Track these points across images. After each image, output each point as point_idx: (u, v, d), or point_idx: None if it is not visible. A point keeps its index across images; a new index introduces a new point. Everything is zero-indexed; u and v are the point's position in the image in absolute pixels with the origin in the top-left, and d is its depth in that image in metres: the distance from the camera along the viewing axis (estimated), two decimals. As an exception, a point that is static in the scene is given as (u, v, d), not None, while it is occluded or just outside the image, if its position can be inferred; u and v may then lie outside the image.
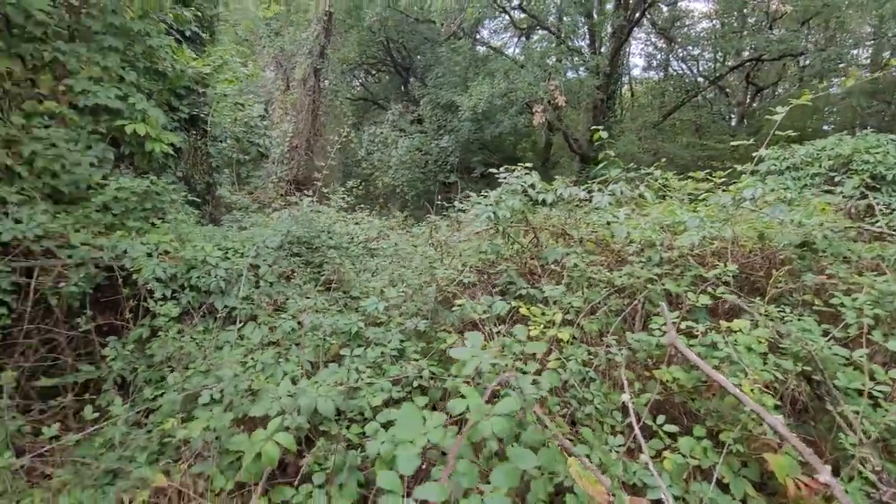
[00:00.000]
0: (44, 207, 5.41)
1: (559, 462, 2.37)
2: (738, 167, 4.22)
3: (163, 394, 4.12)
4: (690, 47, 24.59)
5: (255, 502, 2.42)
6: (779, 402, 2.78)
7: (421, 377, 2.95)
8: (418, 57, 21.30)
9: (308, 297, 4.12)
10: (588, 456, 2.39)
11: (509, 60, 16.29)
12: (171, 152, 6.92)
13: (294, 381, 2.99)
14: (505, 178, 4.07)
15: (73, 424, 5.24)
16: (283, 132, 16.56)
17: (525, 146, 21.68)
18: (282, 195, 13.30)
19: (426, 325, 3.45)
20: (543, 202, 4.11)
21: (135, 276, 5.25)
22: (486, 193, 4.04)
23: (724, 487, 2.74)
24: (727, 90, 26.00)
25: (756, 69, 22.80)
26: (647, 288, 3.40)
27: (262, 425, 2.75)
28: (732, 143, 4.59)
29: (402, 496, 1.29)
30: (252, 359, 3.44)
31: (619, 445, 2.64)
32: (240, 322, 4.15)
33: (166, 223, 5.84)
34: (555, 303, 3.40)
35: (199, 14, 9.44)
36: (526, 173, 4.17)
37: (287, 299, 4.56)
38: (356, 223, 7.50)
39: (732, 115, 26.00)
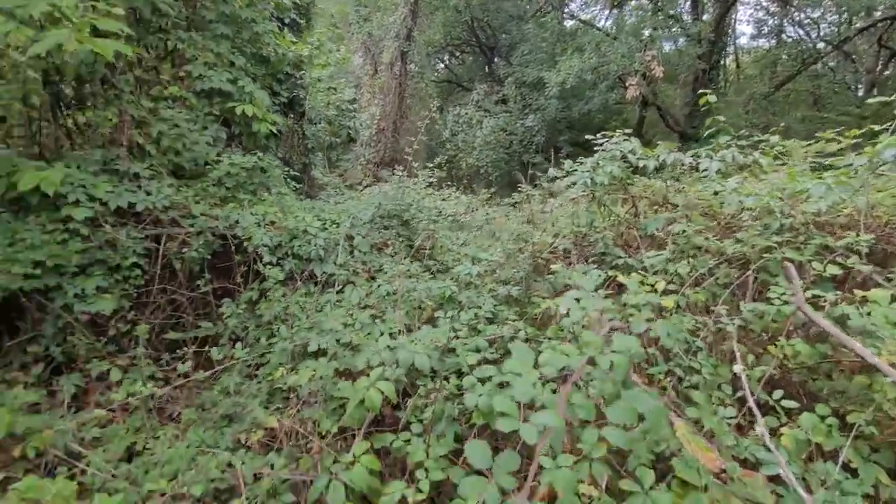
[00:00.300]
0: (169, 182, 6.02)
1: (663, 426, 2.27)
2: (876, 127, 3.72)
3: (272, 347, 4.48)
4: (809, 9, 21.96)
5: (359, 443, 2.57)
6: (926, 384, 2.45)
7: (516, 339, 2.95)
8: (503, 35, 20.94)
9: (402, 264, 4.26)
10: (697, 422, 2.26)
11: (600, 33, 15.52)
12: (275, 132, 7.40)
13: (392, 338, 3.11)
14: (602, 144, 3.90)
15: (194, 374, 5.87)
16: (371, 115, 17.08)
17: (615, 124, 20.61)
18: (369, 177, 13.73)
19: (519, 292, 3.43)
20: (644, 169, 3.90)
21: (245, 244, 5.72)
22: (581, 161, 3.90)
23: (851, 472, 2.49)
24: (853, 56, 22.97)
25: (890, 30, 19.90)
26: (762, 257, 3.12)
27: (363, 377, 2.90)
28: (868, 101, 4.05)
29: (519, 421, 1.30)
30: (351, 317, 3.63)
31: (730, 418, 2.47)
32: (338, 286, 4.38)
33: (271, 196, 6.29)
34: (656, 272, 3.23)
35: (297, 2, 9.93)
36: (625, 139, 3.97)
37: (381, 268, 4.74)
38: (443, 199, 7.59)
39: (860, 85, 22.96)
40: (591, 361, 1.47)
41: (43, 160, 5.73)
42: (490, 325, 3.12)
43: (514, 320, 3.12)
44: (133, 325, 5.41)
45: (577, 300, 1.76)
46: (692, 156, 4.02)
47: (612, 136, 4.01)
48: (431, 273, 4.06)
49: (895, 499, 2.41)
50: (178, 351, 5.42)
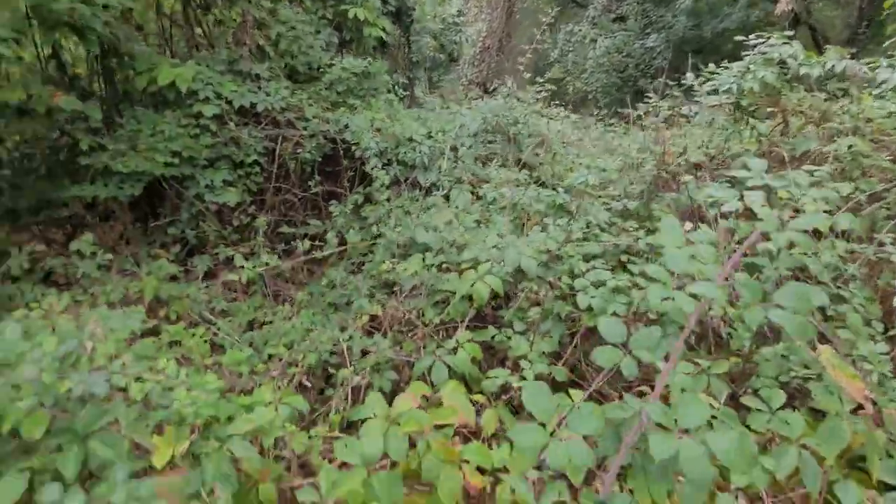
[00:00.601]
0: (285, 84, 6.22)
1: (800, 351, 2.06)
2: None
3: (376, 245, 4.67)
4: None
5: (461, 333, 2.63)
6: None
7: (629, 253, 2.78)
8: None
9: (510, 171, 4.13)
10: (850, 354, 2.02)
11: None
12: (384, 37, 7.30)
13: (500, 238, 3.06)
14: (755, 45, 3.36)
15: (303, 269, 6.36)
16: (477, 31, 16.31)
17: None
18: (471, 97, 13.29)
19: (637, 206, 3.20)
20: (804, 79, 3.33)
21: (353, 149, 5.87)
22: (727, 66, 3.41)
23: None
24: None
25: None
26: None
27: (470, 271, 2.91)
28: None
29: (671, 288, 1.21)
30: (456, 219, 3.62)
31: (883, 353, 2.18)
32: (443, 192, 4.38)
33: (379, 103, 6.31)
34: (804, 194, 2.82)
35: None
36: (785, 42, 3.39)
37: (486, 178, 4.65)
38: (551, 118, 7.18)
39: None
40: (765, 237, 1.31)
41: (172, 55, 6.15)
42: (604, 233, 2.96)
43: (634, 229, 2.92)
44: (253, 218, 5.91)
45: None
46: (868, 65, 3.37)
47: (767, 38, 3.44)
48: (541, 184, 3.90)
49: None
50: (290, 243, 5.83)
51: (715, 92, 3.32)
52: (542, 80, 7.07)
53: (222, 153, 5.85)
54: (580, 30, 15.67)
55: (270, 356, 3.67)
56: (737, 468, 0.90)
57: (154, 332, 3.49)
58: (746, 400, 1.97)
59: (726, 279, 1.23)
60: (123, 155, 5.47)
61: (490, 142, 5.96)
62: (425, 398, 2.06)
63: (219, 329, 4.45)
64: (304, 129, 6.06)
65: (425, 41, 12.67)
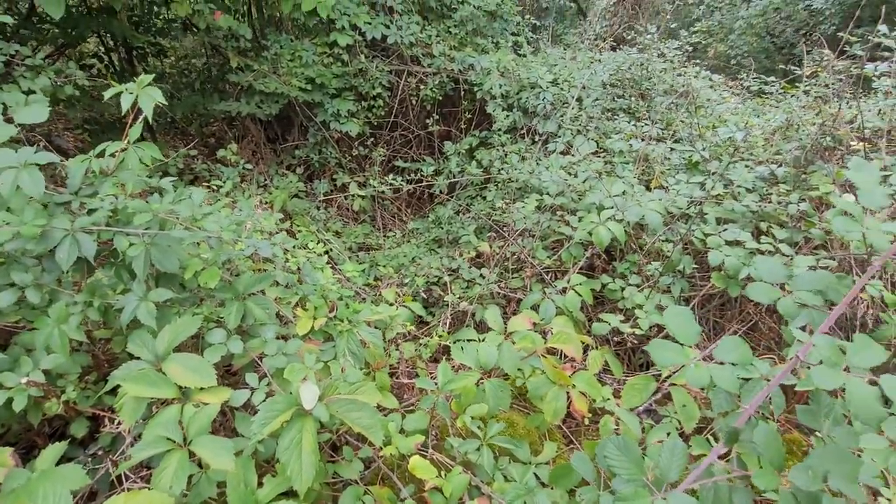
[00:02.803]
0: (416, 20, 6.25)
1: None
2: None
3: (486, 187, 4.69)
4: None
5: (572, 275, 2.60)
6: None
7: (770, 219, 2.54)
8: None
9: (643, 124, 3.89)
10: None
11: None
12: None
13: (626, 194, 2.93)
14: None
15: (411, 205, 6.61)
16: (614, -19, 15.14)
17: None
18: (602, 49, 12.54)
19: (786, 173, 2.88)
20: None
21: (475, 90, 5.84)
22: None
23: None
24: None
25: None
26: None
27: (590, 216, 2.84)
28: None
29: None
30: (578, 166, 3.51)
31: None
32: (563, 141, 4.24)
33: (507, 45, 6.17)
34: None
35: None
36: None
37: (614, 130, 4.43)
38: (692, 76, 6.58)
39: None
40: None
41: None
42: (749, 193, 2.72)
43: (789, 190, 2.64)
44: (370, 150, 6.18)
45: None
46: None
47: None
48: (677, 140, 3.63)
49: None
50: (403, 176, 6.05)
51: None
52: (686, 35, 6.46)
53: (350, 84, 6.10)
54: (734, -16, 13.89)
55: (377, 279, 3.90)
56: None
57: (289, 233, 3.84)
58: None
59: None
60: (265, 76, 5.89)
61: (619, 96, 5.63)
62: (534, 325, 2.09)
63: (333, 246, 4.80)
64: (429, 65, 6.11)
65: (559, -14, 12.02)
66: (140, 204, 1.64)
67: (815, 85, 3.25)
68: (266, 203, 5.08)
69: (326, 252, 4.37)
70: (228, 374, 2.02)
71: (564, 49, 14.20)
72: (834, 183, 2.65)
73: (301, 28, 6.49)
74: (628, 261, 2.87)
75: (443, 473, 1.51)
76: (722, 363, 1.06)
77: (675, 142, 3.54)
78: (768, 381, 1.12)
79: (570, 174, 3.53)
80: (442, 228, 5.05)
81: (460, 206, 5.46)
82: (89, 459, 1.69)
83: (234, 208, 2.11)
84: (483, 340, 1.89)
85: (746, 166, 3.12)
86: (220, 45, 6.08)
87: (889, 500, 1.23)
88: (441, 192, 5.86)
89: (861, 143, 2.71)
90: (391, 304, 2.15)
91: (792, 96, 3.67)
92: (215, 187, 2.63)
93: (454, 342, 1.87)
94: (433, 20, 6.54)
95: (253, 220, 1.99)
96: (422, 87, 6.13)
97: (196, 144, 7.01)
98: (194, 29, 6.57)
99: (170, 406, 1.45)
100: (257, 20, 6.70)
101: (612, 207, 2.69)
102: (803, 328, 1.82)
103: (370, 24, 5.99)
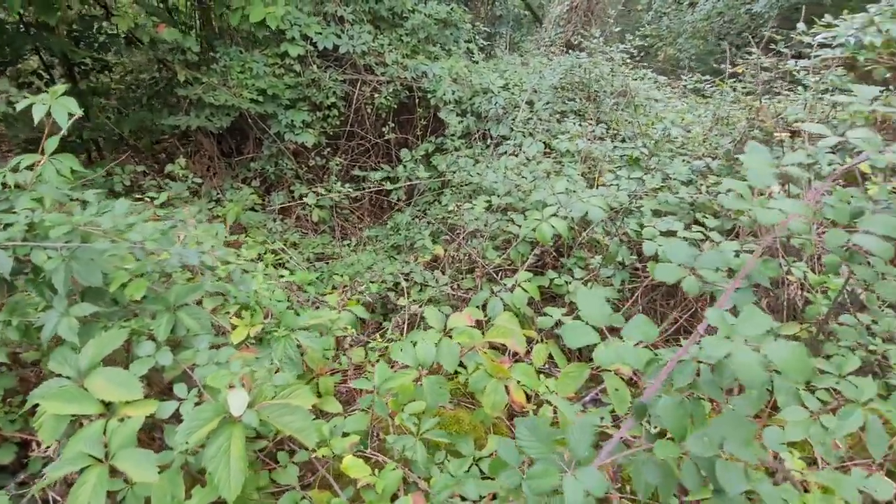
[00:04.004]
0: (368, 28, 6.27)
1: (882, 314, 1.91)
2: None
3: (442, 191, 4.73)
4: None
5: (521, 273, 2.64)
6: None
7: (705, 210, 2.64)
8: None
9: (587, 124, 4.00)
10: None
11: None
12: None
13: (570, 191, 3.00)
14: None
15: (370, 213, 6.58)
16: (566, -11, 15.54)
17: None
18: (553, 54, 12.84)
19: (720, 166, 3.01)
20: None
21: (429, 97, 5.89)
22: (845, 17, 3.06)
23: None
24: None
25: None
26: None
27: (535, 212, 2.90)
28: None
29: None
30: (525, 167, 3.58)
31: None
32: (514, 143, 4.32)
33: (459, 52, 6.25)
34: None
35: None
36: (920, -7, 2.98)
37: (562, 132, 4.53)
38: (636, 78, 6.80)
39: None
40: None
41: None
42: (684, 186, 2.83)
43: (714, 183, 2.76)
44: (327, 160, 6.15)
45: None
46: None
47: (901, -12, 3.04)
48: (621, 139, 3.75)
49: None
50: (361, 185, 6.03)
51: (828, 46, 3.00)
52: (631, 39, 6.69)
53: (303, 94, 6.06)
54: (679, -9, 14.49)
55: (334, 287, 3.87)
56: (792, 374, 0.87)
57: (236, 246, 3.77)
58: (816, 362, 1.87)
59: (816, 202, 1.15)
60: (215, 89, 5.80)
61: (570, 99, 5.77)
62: (479, 322, 2.11)
63: (291, 257, 4.73)
64: (383, 74, 6.14)
65: (513, -6, 12.26)
66: (57, 217, 1.58)
67: (740, 82, 3.41)
68: (218, 217, 4.98)
69: (281, 263, 4.30)
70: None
71: (521, 56, 14.49)
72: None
73: (251, 39, 6.42)
74: (575, 256, 2.94)
75: (377, 471, 1.51)
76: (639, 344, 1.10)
77: (622, 141, 3.65)
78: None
79: (518, 175, 3.59)
80: (400, 234, 5.05)
81: (418, 211, 5.48)
82: (13, 486, 1.62)
83: (174, 221, 2.07)
84: (433, 328, 1.91)
85: (684, 161, 3.24)
86: (167, 59, 5.96)
87: (799, 472, 1.29)
88: (399, 198, 5.87)
89: (784, 134, 2.85)
90: (333, 309, 2.14)
91: (722, 93, 3.84)
92: (149, 199, 2.56)
93: (397, 344, 1.87)
94: (385, 29, 6.57)
95: (187, 230, 1.95)
96: (376, 95, 6.14)
97: (146, 160, 6.83)
98: (139, 43, 6.42)
99: (93, 422, 1.41)
100: (205, 32, 6.60)
101: (556, 205, 2.75)
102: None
103: (321, 34, 5.98)
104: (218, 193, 5.68)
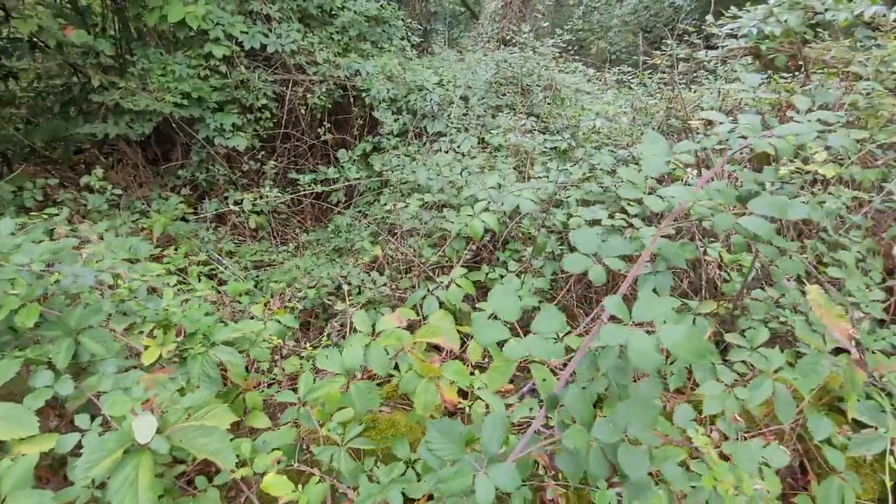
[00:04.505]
0: (297, 27, 6.10)
1: (787, 289, 2.04)
2: None
3: (381, 193, 4.68)
4: None
5: (456, 270, 2.64)
6: None
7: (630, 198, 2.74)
8: None
9: (518, 118, 4.05)
10: (835, 285, 2.00)
11: None
12: (399, -17, 7.08)
13: (501, 186, 3.03)
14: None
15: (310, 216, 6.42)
16: (500, -15, 15.73)
17: None
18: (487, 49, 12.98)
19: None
20: (830, 28, 3.16)
21: (364, 96, 5.80)
22: (749, 8, 3.24)
23: None
24: None
25: None
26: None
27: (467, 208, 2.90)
28: None
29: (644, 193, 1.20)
30: (460, 163, 3.59)
31: (878, 301, 2.15)
32: (449, 138, 4.33)
33: (392, 49, 6.19)
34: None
35: None
36: (812, -15, 3.20)
37: (496, 126, 4.57)
38: (567, 72, 6.97)
39: None
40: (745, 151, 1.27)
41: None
42: (608, 176, 2.91)
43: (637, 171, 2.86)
44: (262, 163, 5.93)
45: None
46: (901, 12, 3.18)
47: (795, -19, 3.25)
48: (552, 132, 3.82)
49: None
50: (297, 188, 5.87)
51: (734, 36, 3.17)
52: (561, 32, 6.84)
53: (232, 96, 5.82)
54: (607, -14, 14.98)
55: (272, 296, 3.75)
56: (684, 356, 0.90)
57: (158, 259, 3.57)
58: (730, 337, 1.97)
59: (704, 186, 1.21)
60: (134, 94, 5.48)
61: (504, 94, 5.83)
62: (411, 323, 2.09)
63: (226, 267, 4.54)
64: (315, 73, 5.99)
65: (447, -11, 12.26)
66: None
67: (654, 73, 3.56)
68: (144, 229, 4.70)
69: (213, 274, 4.12)
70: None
71: (460, 52, 14.55)
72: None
73: (172, 40, 6.09)
74: (509, 249, 2.98)
75: (300, 487, 1.46)
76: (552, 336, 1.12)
77: (553, 134, 3.72)
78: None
79: (452, 171, 3.59)
80: (341, 237, 4.96)
81: (358, 212, 5.39)
82: None
83: (75, 238, 1.92)
84: (361, 332, 1.87)
85: (610, 150, 3.34)
86: (79, 63, 5.57)
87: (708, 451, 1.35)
88: (339, 200, 5.76)
89: (699, 123, 3.00)
90: (258, 319, 2.06)
91: (641, 85, 4.00)
92: (46, 216, 2.36)
93: (324, 351, 1.82)
94: (315, 27, 6.41)
95: (94, 246, 1.81)
96: (309, 95, 5.99)
97: (63, 172, 6.37)
98: (45, 47, 5.97)
99: (-17, 464, 1.28)
100: (121, 34, 6.21)
101: (487, 200, 2.77)
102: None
103: (247, 33, 5.76)
104: (143, 204, 5.38)
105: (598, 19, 15.20)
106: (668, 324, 0.95)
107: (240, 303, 3.11)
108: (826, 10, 3.15)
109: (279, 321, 2.11)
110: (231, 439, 1.38)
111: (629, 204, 2.81)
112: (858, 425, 1.88)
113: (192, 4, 5.54)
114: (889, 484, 1.69)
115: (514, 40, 6.59)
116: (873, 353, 1.85)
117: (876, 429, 1.83)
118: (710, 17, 3.26)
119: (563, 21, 17.83)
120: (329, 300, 3.49)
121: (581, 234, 1.29)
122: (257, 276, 4.42)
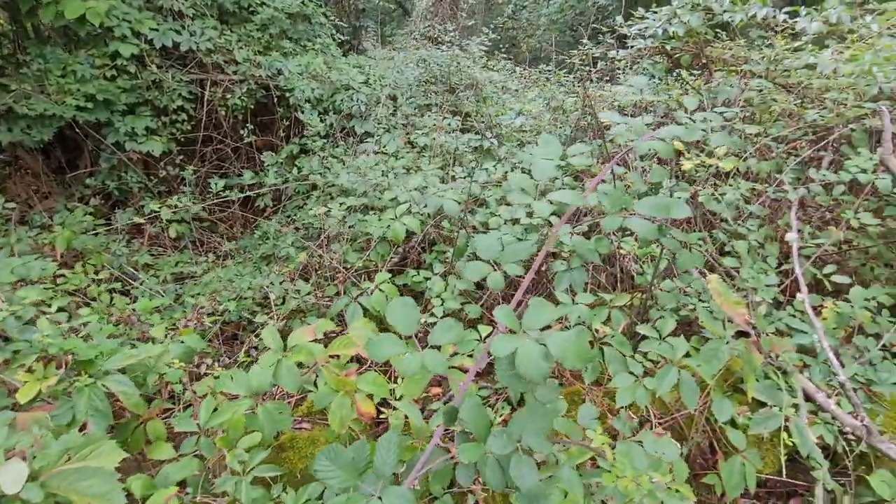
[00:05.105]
0: (213, 24, 5.79)
1: (692, 278, 2.14)
2: None
3: (309, 197, 4.53)
4: None
5: (380, 275, 2.59)
6: None
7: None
8: None
9: (443, 117, 4.04)
10: (735, 272, 2.11)
11: None
12: (322, -21, 6.89)
13: (424, 187, 3.00)
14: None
15: (237, 222, 6.13)
16: (431, -17, 15.71)
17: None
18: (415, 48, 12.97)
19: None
20: (726, 27, 3.36)
21: (287, 96, 5.59)
22: (656, 10, 3.39)
23: (893, 357, 2.32)
24: None
25: None
26: (848, 127, 2.72)
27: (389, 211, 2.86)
28: None
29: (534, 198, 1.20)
30: (386, 164, 3.53)
31: (773, 285, 2.30)
32: (376, 139, 4.25)
33: (315, 47, 6.01)
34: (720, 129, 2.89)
35: None
36: (711, -11, 3.39)
37: (422, 125, 4.54)
38: (495, 70, 7.05)
39: None
40: (627, 158, 1.31)
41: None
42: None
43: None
44: (181, 168, 5.59)
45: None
46: (789, 13, 3.43)
47: (696, -16, 3.43)
48: (475, 131, 3.84)
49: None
50: (222, 194, 5.59)
51: (642, 37, 3.31)
52: (486, 31, 6.90)
53: (144, 97, 5.45)
54: (534, -15, 15.33)
55: (193, 305, 3.54)
56: (568, 362, 0.91)
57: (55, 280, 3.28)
58: (642, 328, 2.04)
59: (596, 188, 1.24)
60: (29, 97, 5.02)
61: (434, 92, 5.80)
62: (329, 334, 2.02)
63: (142, 282, 4.25)
64: (234, 72, 5.71)
65: (377, -13, 12.10)
66: None
67: (571, 72, 3.66)
68: (47, 244, 4.31)
69: (125, 291, 3.85)
70: None
71: (392, 49, 14.39)
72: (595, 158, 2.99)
73: (73, 39, 5.62)
74: (435, 251, 2.96)
75: (198, 523, 1.37)
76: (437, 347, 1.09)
77: (477, 133, 3.74)
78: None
79: (379, 172, 3.53)
80: (268, 244, 4.76)
81: (287, 217, 5.21)
82: None
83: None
84: (271, 349, 1.78)
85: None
86: (-39, 64, 5.04)
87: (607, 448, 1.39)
88: (266, 205, 5.54)
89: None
90: (160, 342, 1.91)
91: (559, 83, 4.10)
92: None
93: (228, 372, 1.72)
94: (233, 24, 6.11)
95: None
96: (229, 96, 5.71)
97: (-52, 185, 5.74)
98: (-81, 45, 5.37)
99: None
100: (12, 32, 5.65)
101: (408, 202, 2.73)
102: (567, 291, 1.98)
103: (157, 30, 5.41)
104: (45, 217, 4.94)
105: (527, 17, 15.51)
106: (555, 331, 0.96)
107: (152, 323, 2.91)
108: (724, 11, 3.34)
109: (184, 341, 1.97)
110: (121, 478, 1.27)
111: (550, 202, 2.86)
112: (760, 404, 2.00)
113: (92, 0, 5.13)
114: (783, 458, 1.81)
115: (440, 38, 6.59)
116: (768, 335, 1.98)
117: (772, 407, 1.95)
118: (619, 19, 3.38)
119: (493, 18, 18.10)
120: (250, 313, 3.33)
121: (482, 239, 1.28)
122: (178, 290, 4.16)
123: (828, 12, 3.32)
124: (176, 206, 4.73)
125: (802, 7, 3.37)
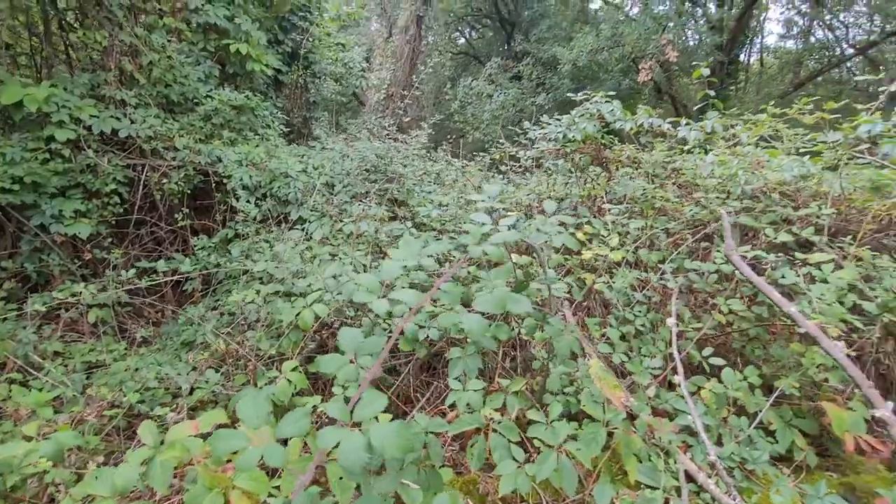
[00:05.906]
0: (156, 113, 5.98)
1: (572, 365, 2.27)
2: (859, 106, 3.62)
3: (237, 281, 4.51)
4: (843, 13, 21.15)
5: (288, 363, 2.59)
6: (854, 353, 2.42)
7: (463, 282, 2.95)
8: (525, 11, 20.52)
9: (369, 207, 4.23)
10: (610, 355, 2.25)
11: (620, 12, 15.19)
12: (270, 74, 7.32)
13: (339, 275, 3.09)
14: (582, 103, 3.82)
15: (166, 304, 5.94)
16: (381, 80, 16.90)
17: (627, 111, 20.00)
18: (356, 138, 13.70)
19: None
20: (619, 134, 3.82)
21: (225, 181, 5.72)
22: (559, 117, 3.83)
23: (771, 434, 2.49)
24: (881, 66, 22.18)
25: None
26: (719, 221, 3.07)
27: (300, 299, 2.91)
28: (857, 78, 3.91)
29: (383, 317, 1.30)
30: (310, 250, 3.63)
31: (655, 369, 2.46)
32: (306, 225, 4.38)
33: (257, 137, 6.25)
34: (612, 223, 3.20)
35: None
36: (606, 101, 3.89)
37: (350, 217, 4.73)
38: (433, 161, 7.52)
39: (881, 93, 22.18)
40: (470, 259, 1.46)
41: (39, 80, 5.72)
42: (439, 265, 3.11)
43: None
44: (108, 251, 5.47)
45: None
46: (672, 123, 3.94)
47: (594, 96, 3.93)
48: (400, 220, 4.04)
49: (809, 464, 2.41)
50: (152, 276, 5.46)
51: (544, 140, 3.70)
52: (426, 126, 7.42)
53: (76, 181, 5.44)
54: (477, 84, 16.77)
55: (90, 398, 3.35)
56: (388, 452, 0.96)
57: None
58: (531, 414, 2.12)
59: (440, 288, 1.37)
60: (-52, 178, 4.93)
61: (373, 181, 6.08)
62: (221, 426, 1.97)
63: (47, 372, 4.00)
64: (173, 158, 5.82)
65: (327, 84, 12.87)
66: None
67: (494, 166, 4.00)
68: (-56, 332, 4.04)
69: (24, 382, 3.61)
70: None
71: (346, 139, 14.96)
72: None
73: (7, 122, 5.64)
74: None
75: None
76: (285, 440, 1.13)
77: (401, 221, 3.93)
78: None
79: (293, 259, 3.61)
80: (191, 329, 4.64)
81: (217, 301, 5.12)
82: None
83: None
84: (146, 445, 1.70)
85: (451, 236, 3.60)
86: None
87: None
88: (195, 289, 5.45)
89: (518, 211, 3.38)
90: (30, 439, 1.81)
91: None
92: None
93: (93, 471, 1.64)
94: (178, 113, 6.33)
95: None
96: (165, 181, 5.78)
97: None
98: None
99: None
100: (-58, 114, 5.64)
101: (321, 289, 2.80)
102: (459, 378, 2.05)
103: (97, 117, 5.52)
104: (-53, 303, 4.66)
105: (472, 112, 16.78)
106: (380, 422, 1.02)
107: (46, 419, 2.73)
108: (616, 120, 3.81)
109: (58, 439, 1.87)
110: None
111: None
112: (643, 486, 2.07)
113: (32, 87, 5.24)
114: (662, 542, 1.86)
115: (381, 134, 7.01)
116: (642, 417, 2.10)
117: (654, 489, 2.02)
118: (527, 123, 3.80)
119: (442, 110, 19.44)
120: (160, 405, 3.19)
121: (344, 332, 1.36)
122: (87, 380, 3.93)
123: (705, 123, 3.84)
124: (95, 292, 4.57)
125: (683, 119, 3.87)
